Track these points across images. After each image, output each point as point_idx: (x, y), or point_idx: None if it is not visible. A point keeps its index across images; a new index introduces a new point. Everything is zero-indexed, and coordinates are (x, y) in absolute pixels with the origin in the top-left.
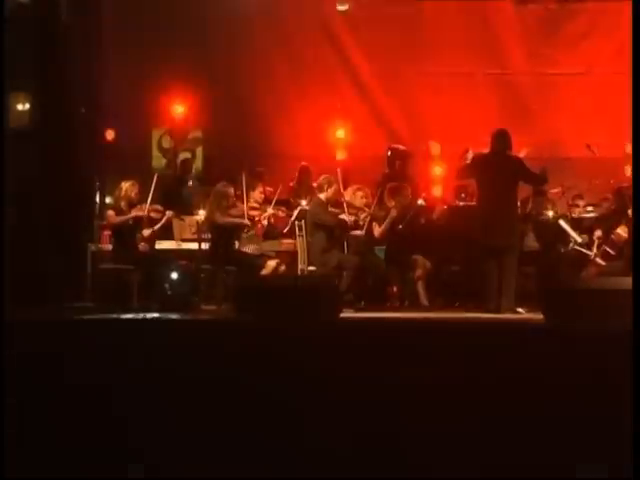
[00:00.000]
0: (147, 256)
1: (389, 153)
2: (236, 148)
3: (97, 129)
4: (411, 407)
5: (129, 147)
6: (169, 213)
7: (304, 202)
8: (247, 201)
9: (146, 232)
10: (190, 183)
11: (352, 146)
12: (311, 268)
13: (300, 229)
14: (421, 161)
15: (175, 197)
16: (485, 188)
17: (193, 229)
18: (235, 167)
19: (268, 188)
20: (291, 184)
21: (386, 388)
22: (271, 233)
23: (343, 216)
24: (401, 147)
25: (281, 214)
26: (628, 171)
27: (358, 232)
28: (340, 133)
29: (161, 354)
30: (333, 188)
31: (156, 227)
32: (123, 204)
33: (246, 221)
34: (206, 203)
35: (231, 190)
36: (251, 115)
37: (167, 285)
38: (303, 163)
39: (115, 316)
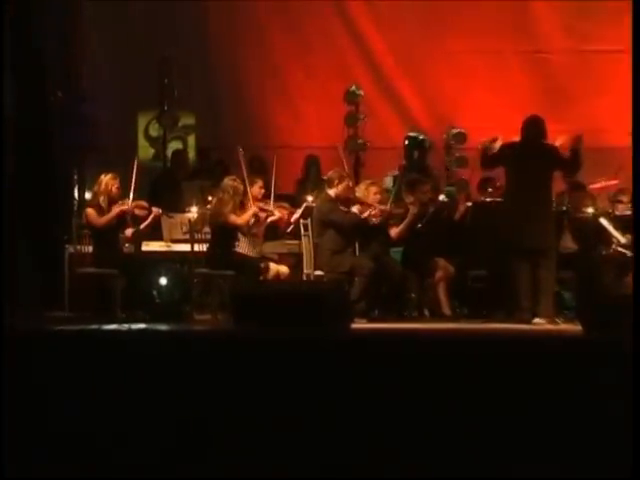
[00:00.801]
0: (132, 259)
1: (407, 142)
2: (233, 137)
3: (76, 115)
4: (432, 433)
5: (112, 136)
6: (156, 210)
7: (310, 198)
8: (254, 200)
9: (129, 232)
10: (181, 176)
11: (365, 135)
12: (318, 273)
13: (306, 228)
14: (443, 151)
15: (164, 192)
16: (516, 181)
17: (185, 228)
18: (233, 158)
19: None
20: (297, 177)
21: (403, 411)
22: (273, 233)
23: (354, 209)
24: (421, 136)
25: (283, 212)
26: None
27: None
28: (351, 121)
29: (148, 370)
30: (344, 183)
31: (141, 226)
32: (102, 200)
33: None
34: (212, 198)
35: (240, 185)
36: (251, 99)
37: (155, 292)
38: (310, 154)
39: (96, 327)
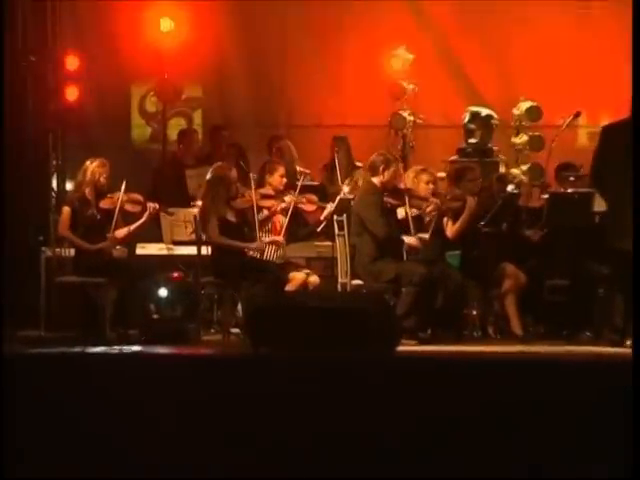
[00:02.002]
0: (124, 265)
1: (467, 119)
2: (248, 113)
3: (53, 86)
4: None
5: (99, 112)
6: (152, 206)
7: (346, 189)
8: (257, 187)
9: (120, 232)
10: (186, 162)
11: (414, 111)
12: (356, 282)
13: (341, 227)
14: (512, 130)
15: (164, 182)
16: (617, 170)
17: (190, 227)
18: (247, 140)
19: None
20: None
21: (462, 452)
22: (299, 232)
23: (402, 210)
24: (485, 110)
25: (310, 206)
26: None
27: (417, 240)
28: (398, 92)
29: (142, 403)
30: (392, 169)
31: (135, 225)
32: (88, 192)
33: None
34: (199, 195)
35: (233, 173)
36: (270, 68)
37: (153, 306)
38: (338, 134)
39: (79, 350)
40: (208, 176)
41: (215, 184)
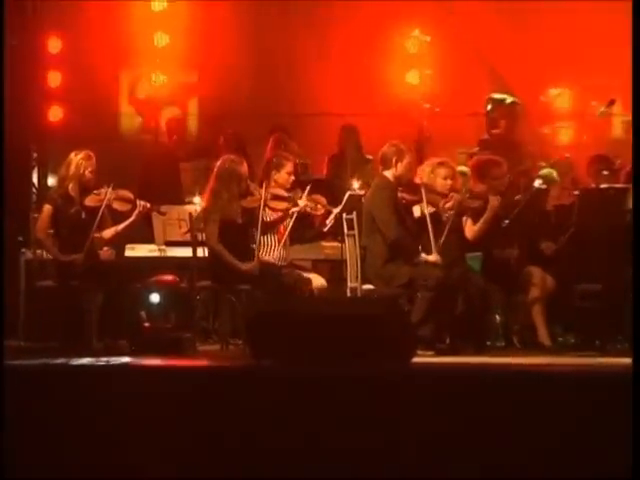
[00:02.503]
0: (111, 268)
1: (489, 107)
2: (247, 101)
3: (33, 70)
4: None
5: (84, 99)
6: (142, 204)
7: (356, 184)
8: (267, 186)
9: (107, 232)
10: (180, 155)
11: (431, 98)
12: (367, 286)
13: (351, 226)
14: (538, 120)
15: (155, 177)
16: None
17: (184, 226)
18: (246, 130)
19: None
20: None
21: (484, 472)
22: (304, 233)
23: (417, 208)
24: (509, 98)
25: (320, 209)
26: None
27: (437, 257)
28: (412, 77)
29: (135, 422)
30: (405, 162)
31: (123, 225)
32: (71, 187)
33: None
34: (204, 187)
35: (244, 168)
36: (272, 52)
37: (143, 313)
38: (347, 123)
39: (63, 361)
40: (215, 170)
41: (225, 179)
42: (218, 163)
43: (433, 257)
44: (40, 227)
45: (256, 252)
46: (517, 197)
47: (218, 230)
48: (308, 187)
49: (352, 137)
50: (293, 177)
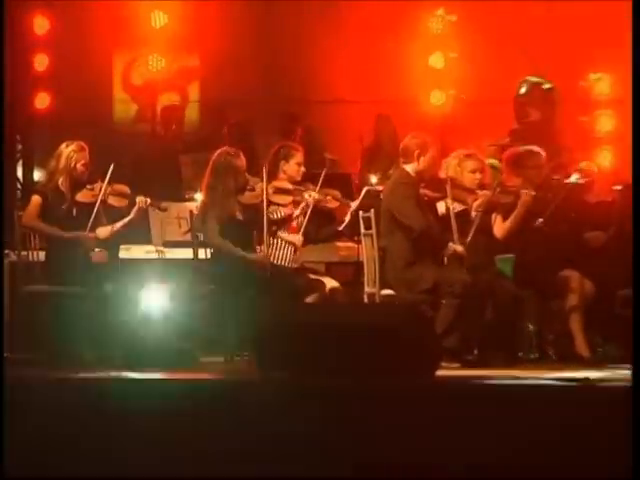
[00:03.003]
0: (104, 272)
1: (523, 91)
2: (255, 86)
3: (17, 52)
4: None
5: (74, 85)
6: (142, 200)
7: (374, 179)
8: (269, 179)
9: (102, 231)
10: (179, 147)
11: (456, 83)
12: (387, 292)
13: (368, 225)
14: (576, 108)
15: (152, 171)
16: None
17: (184, 226)
18: (255, 120)
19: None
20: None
21: None
22: (318, 232)
23: (442, 204)
24: (546, 83)
25: (333, 202)
26: None
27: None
28: (436, 61)
29: (130, 441)
30: (429, 156)
31: (121, 223)
32: (61, 182)
33: (278, 212)
34: (203, 182)
35: (241, 160)
36: (282, 31)
37: (139, 322)
38: (381, 113)
39: (50, 374)
40: (211, 163)
41: (219, 173)
42: (214, 156)
43: (461, 247)
44: (29, 215)
45: (266, 249)
46: (552, 193)
47: (218, 227)
48: (321, 179)
49: (387, 128)
50: (303, 168)
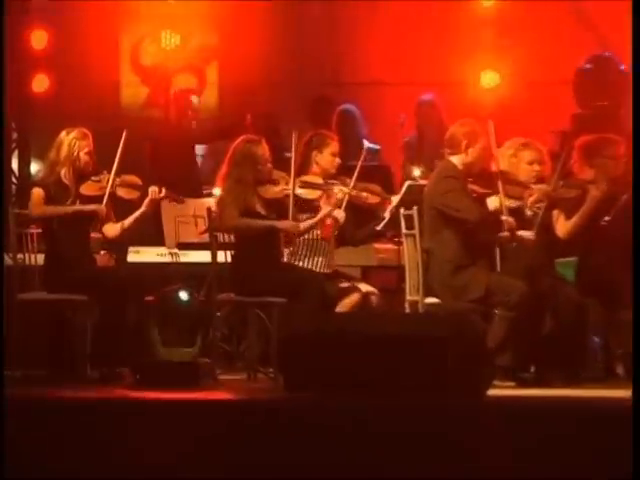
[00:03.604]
0: (111, 277)
1: (588, 71)
2: (283, 68)
3: (12, 29)
4: None
5: (77, 66)
6: (154, 190)
7: (417, 172)
8: (300, 172)
9: (111, 229)
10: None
11: (511, 63)
12: (432, 300)
13: (410, 224)
14: None
15: (165, 163)
16: None
17: (201, 225)
18: (282, 105)
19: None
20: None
21: None
22: (353, 232)
23: (493, 200)
24: (619, 63)
25: (374, 198)
26: None
27: (526, 233)
28: (487, 37)
29: (140, 470)
30: (478, 147)
31: (131, 218)
32: (64, 174)
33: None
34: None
35: (263, 148)
36: (312, 5)
37: (150, 333)
38: (424, 97)
39: (50, 393)
40: (230, 152)
41: (238, 162)
42: (234, 144)
43: (530, 233)
44: (35, 205)
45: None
46: (621, 188)
47: (237, 213)
48: (356, 172)
49: (433, 114)
50: (339, 159)
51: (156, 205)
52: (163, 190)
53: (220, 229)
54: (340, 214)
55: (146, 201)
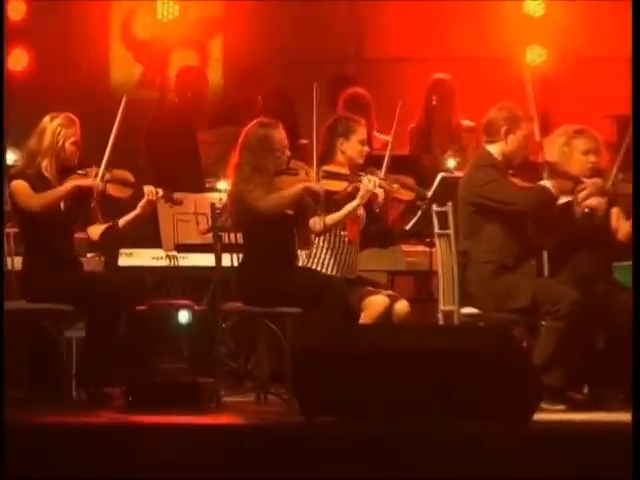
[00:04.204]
0: (100, 284)
1: None
2: (296, 42)
3: None
4: None
5: (59, 39)
6: (150, 191)
7: (452, 163)
8: (322, 162)
9: (97, 230)
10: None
11: (559, 37)
12: (469, 310)
13: (444, 223)
14: None
15: (162, 152)
16: None
17: (204, 224)
18: (295, 85)
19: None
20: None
21: None
22: (378, 232)
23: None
24: None
25: (407, 194)
26: None
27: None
28: (532, 6)
29: None
30: (520, 133)
31: (124, 220)
32: (46, 165)
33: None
34: (229, 163)
35: (280, 133)
36: None
37: (145, 349)
38: (439, 75)
39: (30, 417)
40: (242, 138)
41: (252, 148)
42: (245, 129)
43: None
44: (23, 197)
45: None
46: None
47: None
48: (385, 161)
49: (447, 96)
50: (367, 148)
51: (150, 205)
52: (160, 191)
53: (240, 222)
54: (360, 211)
55: (142, 203)
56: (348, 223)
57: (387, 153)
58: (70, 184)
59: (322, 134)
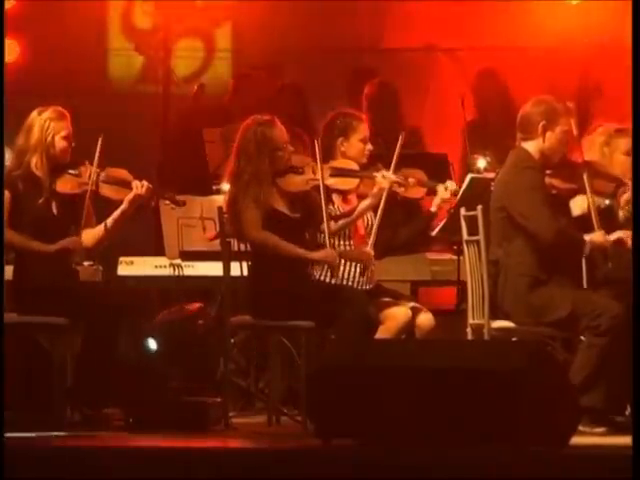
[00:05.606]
0: (97, 295)
1: None
2: (310, 31)
3: None
4: None
5: (53, 29)
6: (137, 184)
7: (482, 163)
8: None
9: (90, 236)
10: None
11: (603, 27)
12: (501, 324)
13: (473, 229)
14: None
15: (166, 151)
16: None
17: (211, 229)
18: (309, 78)
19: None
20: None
21: None
22: (395, 234)
23: (578, 203)
24: None
25: (417, 191)
26: None
27: (604, 237)
28: None
29: None
30: (559, 130)
31: (111, 219)
32: (35, 164)
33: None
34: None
35: (279, 131)
36: None
37: (146, 365)
38: (483, 66)
39: (22, 439)
40: (237, 139)
41: (248, 151)
42: (240, 130)
43: (600, 236)
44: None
45: (327, 239)
46: None
47: (259, 216)
48: (395, 157)
49: (495, 88)
50: (370, 146)
51: (151, 206)
52: (145, 183)
53: (235, 236)
54: (368, 257)
55: (128, 197)
56: (354, 230)
57: (397, 150)
58: (41, 248)
59: (320, 132)
